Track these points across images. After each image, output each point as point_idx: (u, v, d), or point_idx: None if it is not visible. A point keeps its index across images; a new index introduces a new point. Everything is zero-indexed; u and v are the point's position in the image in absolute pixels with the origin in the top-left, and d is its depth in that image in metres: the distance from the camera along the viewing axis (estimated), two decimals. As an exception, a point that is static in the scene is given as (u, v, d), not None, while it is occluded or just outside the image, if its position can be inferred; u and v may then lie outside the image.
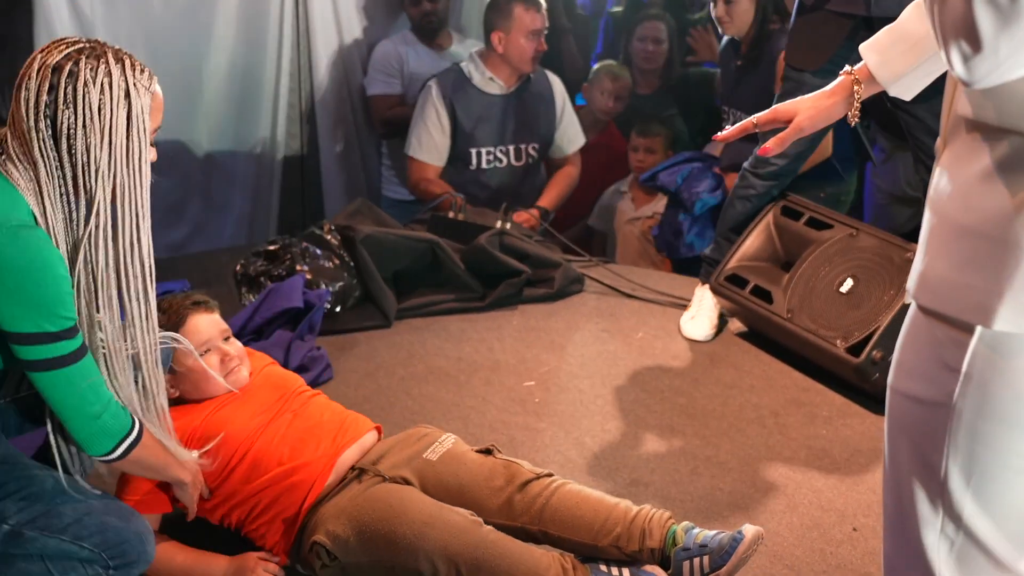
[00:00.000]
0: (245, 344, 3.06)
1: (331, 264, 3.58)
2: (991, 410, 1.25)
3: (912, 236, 3.18)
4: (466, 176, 4.37)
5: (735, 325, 3.50)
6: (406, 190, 4.65)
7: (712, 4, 3.96)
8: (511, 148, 4.34)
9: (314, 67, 4.73)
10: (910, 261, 2.96)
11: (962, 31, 1.10)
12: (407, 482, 2.23)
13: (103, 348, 1.88)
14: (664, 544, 2.12)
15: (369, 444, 2.39)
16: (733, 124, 4.03)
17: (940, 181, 1.31)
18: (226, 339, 2.43)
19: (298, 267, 3.53)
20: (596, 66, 4.86)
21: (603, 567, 2.10)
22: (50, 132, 1.75)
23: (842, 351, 2.97)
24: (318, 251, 3.60)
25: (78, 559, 1.88)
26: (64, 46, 1.77)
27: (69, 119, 1.74)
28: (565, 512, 2.18)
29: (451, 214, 4.01)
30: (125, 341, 1.90)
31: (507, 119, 4.32)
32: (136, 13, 4.36)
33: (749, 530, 2.10)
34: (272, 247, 3.71)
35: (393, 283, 3.67)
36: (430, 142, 4.32)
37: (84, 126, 1.75)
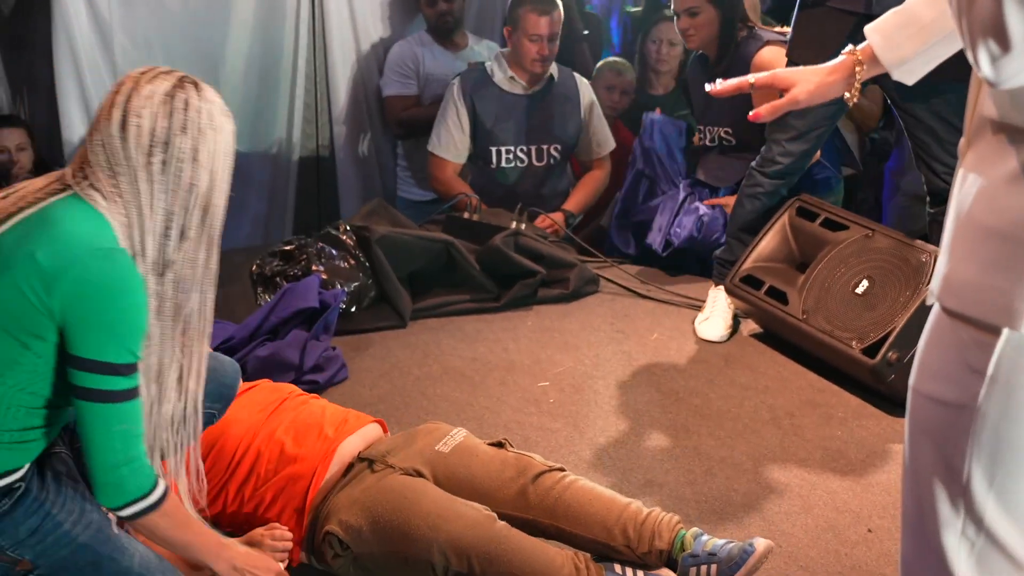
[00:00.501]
0: (261, 344, 3.11)
1: (347, 264, 3.59)
2: (1016, 412, 1.24)
3: (929, 237, 3.19)
4: (487, 175, 4.37)
5: (750, 326, 3.49)
6: (421, 191, 4.66)
7: (675, 17, 3.82)
8: (532, 148, 4.33)
9: (330, 68, 4.74)
10: (926, 263, 2.97)
11: (991, 30, 1.09)
12: (420, 474, 2.24)
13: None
14: (672, 547, 2.13)
15: (373, 435, 2.41)
16: (710, 142, 4.01)
17: (964, 183, 1.31)
18: None
19: (314, 267, 3.54)
20: (599, 63, 4.85)
21: (617, 567, 2.10)
22: (161, 158, 1.75)
23: (858, 352, 2.96)
24: (334, 251, 3.61)
25: None
26: (162, 74, 1.81)
27: (182, 144, 1.75)
28: (578, 508, 2.19)
29: (466, 215, 4.02)
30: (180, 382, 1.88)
31: (529, 119, 4.31)
32: (154, 15, 4.38)
33: (760, 543, 2.09)
34: (288, 247, 3.73)
35: (408, 283, 3.68)
36: (449, 139, 4.32)
37: (196, 151, 1.76)
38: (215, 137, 1.79)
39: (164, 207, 1.76)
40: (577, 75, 4.46)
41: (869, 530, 2.40)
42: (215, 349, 3.11)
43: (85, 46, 4.24)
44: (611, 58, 4.90)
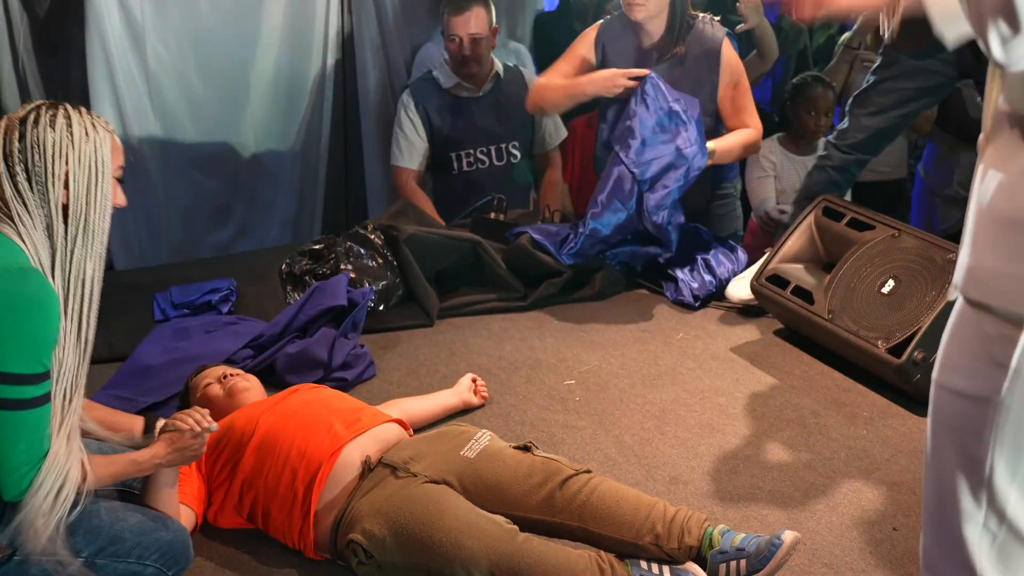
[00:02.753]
0: (290, 341, 3.15)
1: (375, 263, 3.62)
2: None
3: (958, 238, 3.18)
4: (451, 181, 4.39)
5: (776, 325, 3.50)
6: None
7: None
8: (491, 148, 4.34)
9: (359, 69, 4.78)
10: (952, 262, 2.96)
11: (1001, 11, 1.11)
12: (445, 482, 2.25)
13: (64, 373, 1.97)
14: (701, 544, 2.14)
15: (388, 437, 2.43)
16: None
17: (985, 177, 1.32)
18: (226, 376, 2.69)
19: (342, 266, 3.57)
20: None
21: (643, 564, 2.11)
22: (24, 176, 1.91)
23: (883, 352, 2.96)
24: (362, 250, 3.65)
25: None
26: (26, 105, 1.98)
27: (37, 159, 1.91)
28: (605, 509, 2.19)
29: (493, 215, 4.05)
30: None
31: (483, 120, 4.31)
32: (185, 18, 4.44)
33: (787, 536, 2.10)
34: (317, 246, 3.76)
35: (435, 282, 3.70)
36: (408, 147, 4.34)
37: (52, 163, 1.91)
38: (76, 148, 1.93)
39: (42, 220, 1.91)
40: (525, 72, 4.46)
41: (894, 528, 2.40)
42: (246, 347, 3.17)
43: (118, 50, 4.31)
44: None
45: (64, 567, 1.98)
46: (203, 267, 4.15)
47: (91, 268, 1.99)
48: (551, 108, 3.89)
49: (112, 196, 2.01)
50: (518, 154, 4.39)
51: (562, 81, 3.72)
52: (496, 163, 4.36)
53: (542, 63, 4.67)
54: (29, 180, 1.91)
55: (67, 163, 1.93)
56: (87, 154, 1.95)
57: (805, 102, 4.44)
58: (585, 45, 3.80)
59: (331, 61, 4.76)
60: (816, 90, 4.42)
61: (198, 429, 2.10)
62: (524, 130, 4.40)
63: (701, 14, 3.72)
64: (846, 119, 3.55)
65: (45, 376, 1.87)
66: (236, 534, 2.38)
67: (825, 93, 4.42)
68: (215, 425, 2.15)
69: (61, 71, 4.41)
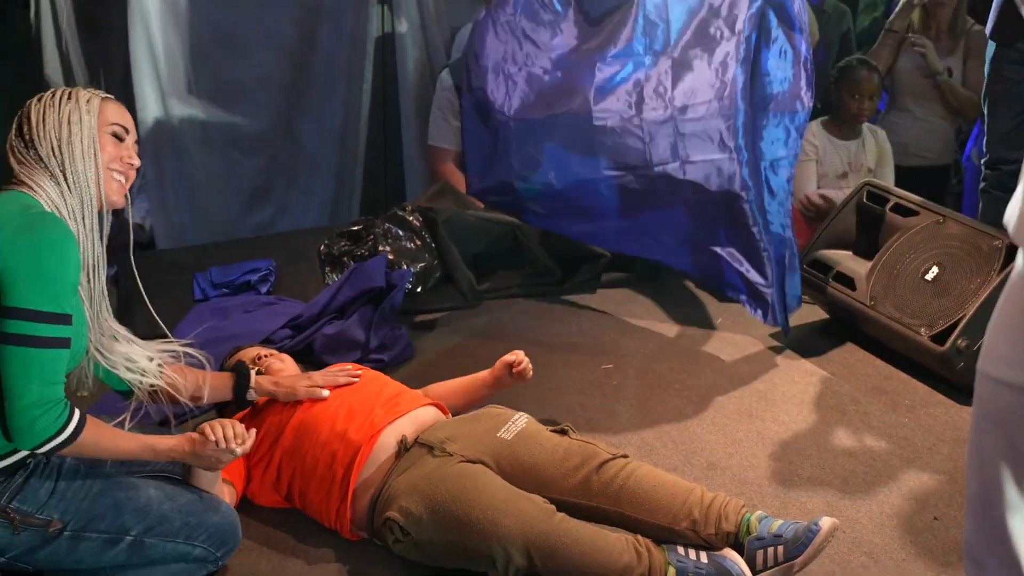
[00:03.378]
0: (328, 322, 3.16)
1: (413, 245, 3.62)
2: None
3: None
4: None
5: (817, 312, 3.46)
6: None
7: None
8: None
9: (398, 51, 4.77)
10: (998, 249, 2.93)
11: None
12: (482, 463, 2.25)
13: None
14: (739, 530, 2.12)
15: (425, 419, 2.42)
16: None
17: None
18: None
19: (380, 247, 3.58)
20: None
21: (680, 550, 2.10)
22: (22, 143, 2.03)
23: (926, 339, 2.93)
24: (400, 232, 3.65)
25: (192, 557, 2.10)
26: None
27: (26, 129, 2.04)
28: (642, 494, 2.19)
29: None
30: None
31: None
32: (226, -2, 4.46)
33: (826, 522, 2.08)
34: (355, 228, 3.77)
35: (473, 265, 3.70)
36: (445, 127, 4.32)
37: (35, 127, 2.03)
38: (53, 113, 2.03)
39: (51, 181, 2.01)
40: None
41: (935, 518, 2.37)
42: (284, 327, 3.19)
43: (159, 29, 4.33)
44: None
45: (114, 544, 2.00)
46: (243, 247, 4.18)
47: (88, 209, 2.04)
48: None
49: (96, 145, 2.06)
50: None
51: None
52: None
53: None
54: (26, 146, 2.01)
55: (48, 122, 2.02)
56: (65, 112, 2.04)
57: (848, 85, 4.38)
58: None
59: (371, 41, 4.75)
60: (860, 73, 4.36)
61: (223, 445, 2.09)
62: None
63: None
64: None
65: (62, 318, 1.89)
66: (274, 513, 2.40)
67: (870, 76, 4.36)
68: (241, 451, 2.12)
69: (103, 50, 4.44)
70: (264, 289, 3.68)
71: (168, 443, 2.08)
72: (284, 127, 4.77)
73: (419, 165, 4.91)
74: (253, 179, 4.78)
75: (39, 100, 2.07)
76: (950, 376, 2.91)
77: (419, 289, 3.58)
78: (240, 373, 2.40)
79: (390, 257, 3.53)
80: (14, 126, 2.05)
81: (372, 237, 3.65)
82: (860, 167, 4.40)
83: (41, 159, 2.00)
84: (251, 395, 2.40)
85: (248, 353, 2.76)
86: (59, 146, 2.01)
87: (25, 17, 4.28)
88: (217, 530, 2.12)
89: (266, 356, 2.71)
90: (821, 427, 2.78)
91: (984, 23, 3.42)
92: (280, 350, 3.04)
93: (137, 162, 2.14)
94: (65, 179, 2.01)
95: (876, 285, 3.14)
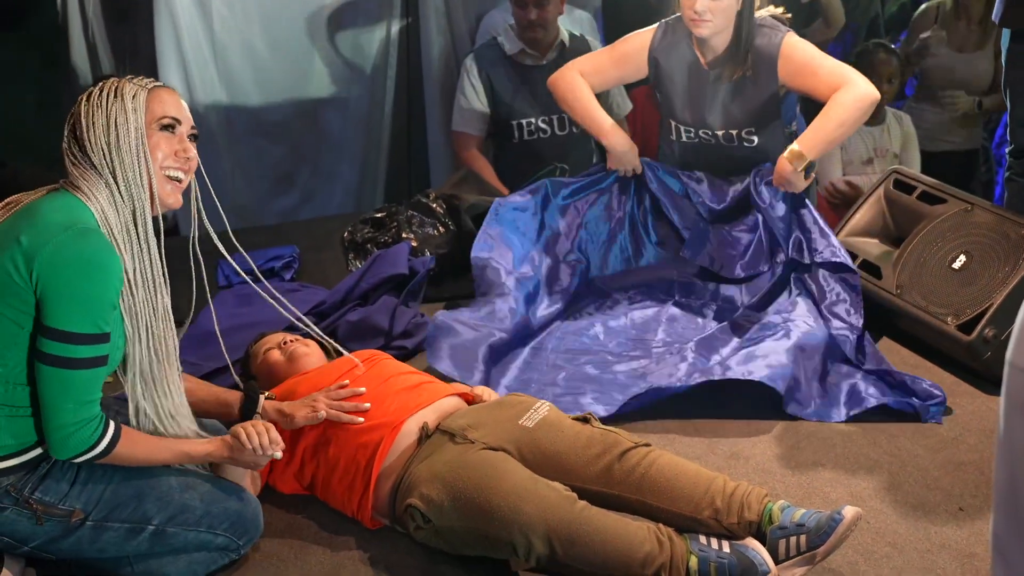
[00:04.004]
0: (351, 309, 3.17)
1: (436, 232, 3.62)
2: None
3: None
4: (511, 149, 4.34)
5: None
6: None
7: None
8: (554, 118, 4.27)
9: (423, 37, 4.76)
10: (1027, 237, 2.89)
11: None
12: (503, 451, 2.24)
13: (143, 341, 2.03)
14: (761, 519, 2.11)
15: (448, 408, 2.42)
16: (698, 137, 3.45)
17: None
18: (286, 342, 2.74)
19: (404, 235, 3.58)
20: None
21: (702, 539, 2.09)
22: (77, 147, 1.99)
23: (953, 329, 2.90)
24: (424, 219, 3.65)
25: (214, 545, 2.11)
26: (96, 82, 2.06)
27: (79, 131, 1.99)
28: (664, 482, 2.18)
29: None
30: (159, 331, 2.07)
31: (545, 88, 4.24)
32: (251, -15, 4.46)
33: (848, 511, 2.07)
34: (379, 215, 3.78)
35: (497, 252, 3.69)
36: (469, 112, 4.31)
37: (86, 131, 1.98)
38: (103, 113, 1.98)
39: (103, 189, 1.96)
40: (589, 39, 4.37)
41: (960, 508, 2.35)
42: (307, 313, 3.19)
43: (185, 17, 4.34)
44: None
45: (136, 534, 2.01)
46: (266, 233, 4.19)
47: (141, 218, 2.01)
48: (562, 105, 3.53)
49: (146, 147, 2.01)
50: None
51: (589, 101, 3.39)
52: (558, 132, 4.31)
53: (609, 34, 4.61)
54: (79, 149, 1.98)
55: (97, 126, 1.98)
56: (112, 115, 1.99)
57: (867, 69, 4.34)
58: (636, 50, 3.37)
59: (395, 28, 4.75)
60: (878, 56, 4.33)
61: (259, 452, 2.11)
62: None
63: (762, 14, 3.25)
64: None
65: (100, 338, 1.90)
66: (296, 501, 2.40)
67: (888, 59, 4.32)
68: (278, 453, 2.14)
69: (129, 38, 4.46)
70: (288, 276, 3.69)
71: (204, 448, 2.11)
72: (309, 114, 4.78)
73: (443, 152, 4.90)
74: (278, 166, 4.80)
75: (87, 99, 2.01)
76: (977, 366, 2.89)
77: (442, 276, 3.58)
78: (249, 396, 2.37)
79: (413, 244, 3.53)
80: (67, 127, 2.01)
81: (395, 224, 3.66)
82: (885, 152, 4.36)
83: (94, 165, 1.97)
84: (257, 419, 2.35)
85: (274, 338, 2.78)
86: (108, 151, 1.98)
87: (52, 5, 4.30)
88: (239, 518, 2.13)
89: (291, 341, 2.73)
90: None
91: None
92: (304, 336, 3.05)
93: (193, 154, 2.10)
94: (117, 187, 1.98)
95: (902, 274, 3.11)
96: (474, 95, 4.28)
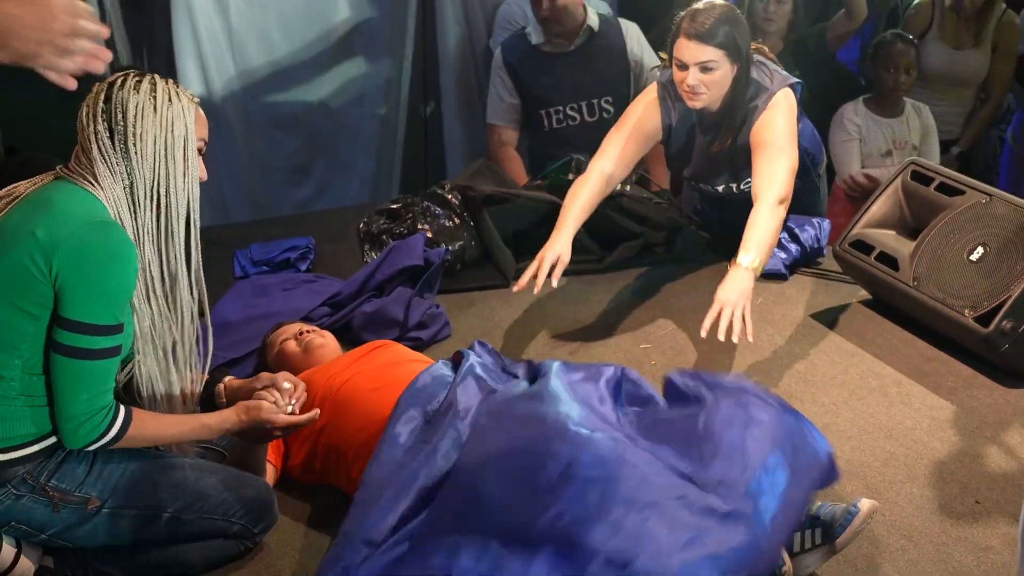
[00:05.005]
0: (367, 300, 3.18)
1: (451, 223, 3.62)
2: None
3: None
4: (542, 139, 4.33)
5: (858, 292, 3.43)
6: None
7: (675, 67, 3.03)
8: (583, 104, 4.25)
9: (439, 27, 4.76)
10: (1046, 229, 2.87)
11: None
12: None
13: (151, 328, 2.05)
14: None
15: None
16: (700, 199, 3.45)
17: None
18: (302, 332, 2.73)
19: (419, 226, 3.58)
20: None
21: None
22: (108, 134, 1.94)
23: (970, 321, 2.89)
24: (439, 210, 3.65)
25: (230, 533, 2.12)
26: (119, 73, 2.01)
27: (119, 118, 1.94)
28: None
29: (571, 176, 4.01)
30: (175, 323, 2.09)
31: (573, 75, 4.22)
32: (267, -25, 4.47)
33: (864, 504, 2.06)
34: (394, 206, 3.78)
35: (512, 243, 3.69)
36: (501, 106, 4.31)
37: (133, 122, 1.94)
38: (152, 109, 1.96)
39: (124, 179, 1.95)
40: (623, 21, 4.34)
41: (976, 501, 2.34)
42: (323, 304, 3.20)
43: (202, 8, 4.35)
44: None
45: (151, 521, 2.02)
46: (282, 224, 4.19)
47: (179, 230, 2.03)
48: None
49: (197, 165, 2.04)
50: (611, 109, 4.28)
51: (572, 209, 3.15)
52: (588, 119, 4.30)
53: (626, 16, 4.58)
54: (112, 138, 1.94)
55: (148, 124, 1.96)
56: (168, 119, 1.98)
57: (884, 60, 4.32)
58: (649, 120, 3.26)
59: (412, 19, 4.74)
60: (895, 47, 4.30)
61: (281, 404, 2.13)
62: (618, 84, 4.30)
63: (763, 62, 3.15)
64: None
65: (116, 329, 1.91)
66: (311, 490, 2.41)
67: (905, 50, 4.30)
68: (296, 406, 2.15)
69: (147, 28, 4.46)
70: (303, 267, 3.69)
71: (220, 416, 2.11)
72: (325, 105, 4.78)
73: (458, 143, 4.91)
74: (293, 156, 4.81)
75: (136, 89, 1.97)
76: (994, 358, 2.87)
77: (457, 267, 3.58)
78: (213, 379, 2.33)
79: (429, 235, 3.53)
80: (101, 112, 1.95)
81: (411, 215, 3.66)
82: (904, 144, 4.34)
83: (128, 160, 1.95)
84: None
85: (290, 329, 2.79)
86: (158, 154, 1.98)
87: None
88: (254, 506, 2.14)
89: (307, 332, 2.74)
90: (861, 409, 2.75)
91: (1019, 10, 3.29)
92: (319, 327, 3.06)
93: (206, 176, 2.10)
94: (155, 189, 1.97)
95: (920, 265, 3.10)
96: (502, 86, 4.28)
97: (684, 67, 2.97)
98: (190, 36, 4.36)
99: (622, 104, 4.27)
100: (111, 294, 1.87)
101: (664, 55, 3.17)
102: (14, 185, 2.00)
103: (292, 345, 2.72)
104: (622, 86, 4.31)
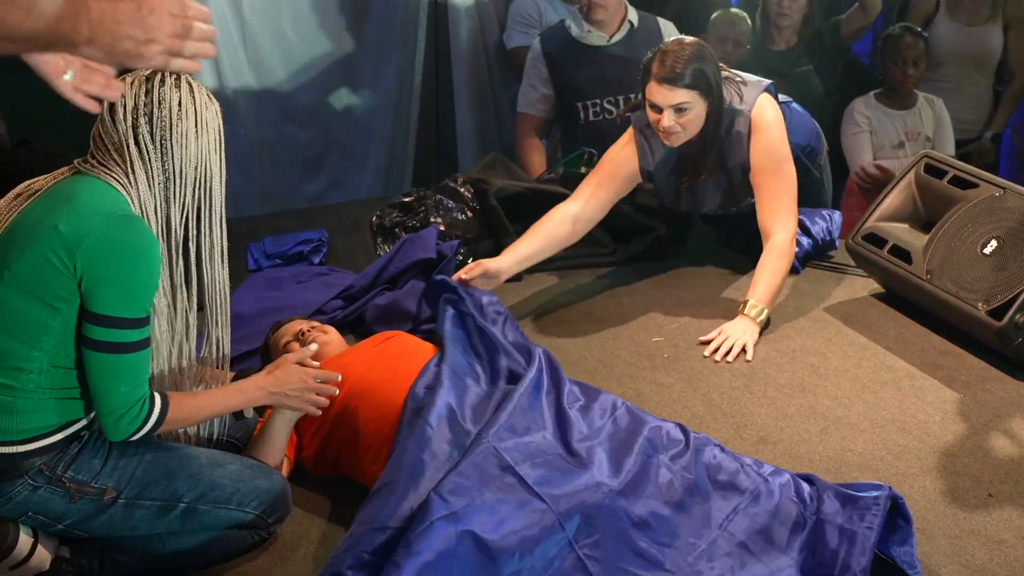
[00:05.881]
0: (380, 293, 3.18)
1: (464, 216, 3.63)
2: None
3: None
4: (576, 132, 4.32)
5: (870, 286, 3.42)
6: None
7: (649, 109, 3.06)
8: (620, 99, 4.25)
9: (451, 21, 4.76)
10: (1059, 222, 2.86)
11: None
12: None
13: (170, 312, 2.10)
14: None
15: None
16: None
17: None
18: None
19: (432, 219, 3.59)
20: (713, 15, 4.72)
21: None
22: (147, 128, 1.95)
23: (983, 314, 2.88)
24: (451, 203, 3.66)
25: (244, 523, 2.13)
26: (142, 72, 1.99)
27: (163, 113, 1.96)
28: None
29: (583, 169, 4.01)
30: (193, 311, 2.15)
31: (612, 70, 4.21)
32: (279, -31, 4.48)
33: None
34: (407, 199, 3.78)
35: (524, 236, 3.69)
36: (534, 95, 4.31)
37: (177, 119, 1.97)
38: (194, 104, 1.99)
39: (159, 175, 1.97)
40: (661, 20, 4.34)
41: (989, 495, 2.34)
42: (336, 297, 3.21)
43: (214, 1, 4.35)
44: (725, 10, 4.78)
45: (167, 511, 2.04)
46: (295, 217, 4.20)
47: (218, 227, 2.11)
48: None
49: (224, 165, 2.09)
50: None
51: (530, 237, 3.24)
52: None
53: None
54: (152, 132, 1.96)
55: (191, 122, 1.99)
56: (209, 119, 2.02)
57: (892, 53, 4.32)
58: (623, 166, 3.29)
59: (424, 12, 4.75)
60: (904, 40, 4.29)
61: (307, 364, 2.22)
62: None
63: (729, 78, 3.15)
64: None
65: (146, 321, 1.93)
66: (325, 482, 2.42)
67: (914, 42, 4.29)
68: (313, 347, 2.26)
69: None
70: (317, 259, 3.70)
71: (251, 380, 2.19)
72: (337, 99, 4.79)
73: (471, 137, 4.91)
74: (306, 150, 4.81)
75: (177, 87, 1.98)
76: (1007, 351, 2.87)
77: (470, 260, 3.58)
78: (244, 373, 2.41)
79: (441, 228, 3.54)
80: (142, 107, 1.96)
81: (423, 208, 3.66)
82: (917, 136, 4.33)
83: (168, 155, 1.97)
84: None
85: (290, 329, 2.78)
86: (205, 157, 2.03)
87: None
88: (268, 496, 2.15)
89: (309, 330, 2.73)
90: (874, 402, 2.75)
91: None
92: (332, 320, 3.07)
93: None
94: (196, 198, 2.03)
95: (933, 259, 3.09)
96: (537, 77, 4.28)
97: (658, 110, 3.02)
98: (203, 30, 4.37)
99: None
100: (139, 287, 1.89)
101: (636, 98, 3.24)
102: (31, 180, 2.01)
103: (295, 347, 2.71)
104: None
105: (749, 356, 2.95)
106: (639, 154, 3.28)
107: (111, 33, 1.39)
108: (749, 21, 4.62)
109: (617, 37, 4.22)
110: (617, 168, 3.30)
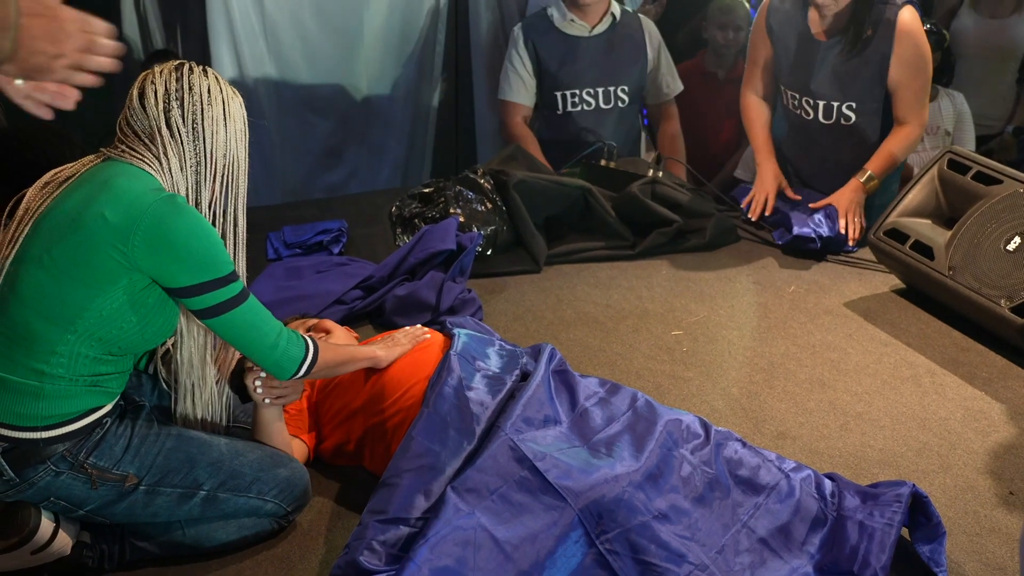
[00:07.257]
0: (399, 283, 3.18)
1: (484, 208, 3.62)
2: None
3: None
4: (555, 122, 4.31)
5: (892, 281, 3.40)
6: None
7: None
8: (599, 91, 4.24)
9: (471, 12, 4.75)
10: (1085, 219, 2.84)
11: None
12: None
13: None
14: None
15: None
16: (807, 114, 3.64)
17: None
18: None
19: (451, 210, 3.58)
20: (711, 2, 4.70)
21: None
22: (179, 113, 1.98)
23: (1006, 311, 2.86)
24: (471, 195, 3.65)
25: (264, 511, 2.14)
26: (171, 62, 2.05)
27: (195, 99, 1.99)
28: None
29: (603, 161, 4.00)
30: None
31: (592, 61, 4.21)
32: (301, -41, 4.48)
33: None
34: (427, 190, 3.78)
35: (544, 228, 3.69)
36: (517, 82, 4.28)
37: (207, 105, 2.00)
38: (225, 102, 2.04)
39: (191, 159, 2.00)
40: (643, 18, 4.35)
41: (1011, 492, 2.33)
42: (355, 287, 3.21)
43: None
44: None
45: (188, 499, 2.05)
46: (315, 207, 4.21)
47: (241, 217, 2.14)
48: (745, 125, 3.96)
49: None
50: (627, 98, 4.30)
51: (761, 131, 3.84)
52: (603, 105, 4.29)
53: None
54: (183, 117, 1.99)
55: (220, 110, 2.02)
56: (235, 110, 2.06)
57: None
58: (759, 26, 3.74)
59: (444, 3, 4.74)
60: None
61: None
62: (635, 75, 4.31)
63: None
64: None
65: (235, 275, 1.98)
66: (344, 472, 2.42)
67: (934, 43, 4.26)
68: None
69: (180, 11, 4.48)
70: (336, 250, 3.71)
71: (384, 346, 2.43)
72: (357, 89, 4.79)
73: (490, 128, 4.90)
74: (326, 140, 4.82)
75: (205, 75, 2.03)
76: (1030, 349, 2.85)
77: (489, 252, 3.58)
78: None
79: (461, 219, 3.53)
80: (174, 92, 1.99)
81: (443, 199, 3.66)
82: (937, 130, 4.30)
83: (199, 139, 2.00)
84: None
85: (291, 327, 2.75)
86: (235, 144, 2.06)
87: (104, -23, 4.34)
88: (287, 485, 2.16)
89: (310, 330, 2.69)
90: (894, 398, 2.74)
91: None
92: (351, 310, 3.08)
93: None
94: (224, 184, 2.06)
95: (955, 255, 3.07)
96: (520, 64, 4.27)
97: None
98: (224, 19, 4.38)
99: (637, 96, 4.28)
100: (209, 253, 1.92)
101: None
102: (59, 168, 2.02)
103: None
104: (638, 79, 4.31)
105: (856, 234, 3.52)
106: (771, 8, 3.67)
107: (27, 48, 1.45)
108: (747, 5, 4.61)
109: (599, 29, 4.22)
110: (756, 31, 3.76)
